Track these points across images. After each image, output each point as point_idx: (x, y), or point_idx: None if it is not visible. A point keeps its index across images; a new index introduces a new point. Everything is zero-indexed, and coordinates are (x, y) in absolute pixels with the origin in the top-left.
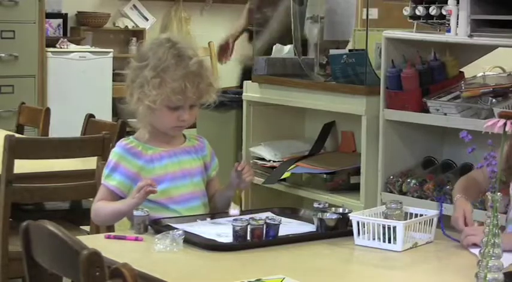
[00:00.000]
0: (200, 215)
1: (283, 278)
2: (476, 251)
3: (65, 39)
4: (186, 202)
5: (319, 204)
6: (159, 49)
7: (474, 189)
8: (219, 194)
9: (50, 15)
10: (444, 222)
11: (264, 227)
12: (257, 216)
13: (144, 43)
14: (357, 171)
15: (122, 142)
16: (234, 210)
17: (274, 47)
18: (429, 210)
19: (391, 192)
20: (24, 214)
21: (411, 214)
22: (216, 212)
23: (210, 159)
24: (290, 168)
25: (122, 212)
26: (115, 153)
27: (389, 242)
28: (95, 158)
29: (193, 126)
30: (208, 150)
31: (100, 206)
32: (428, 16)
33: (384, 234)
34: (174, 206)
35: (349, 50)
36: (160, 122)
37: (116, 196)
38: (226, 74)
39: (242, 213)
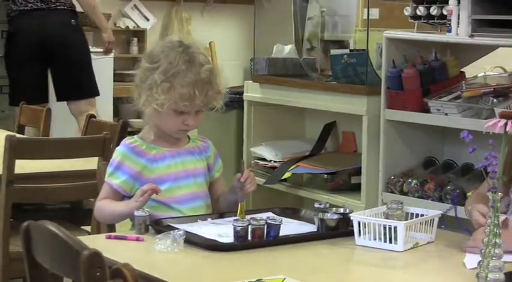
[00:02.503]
0: (201, 215)
1: (284, 278)
2: (470, 257)
3: None
4: (189, 202)
5: (320, 204)
6: (171, 52)
7: (484, 203)
8: (223, 197)
9: None
10: (446, 222)
11: (265, 227)
12: (258, 216)
13: (155, 43)
14: (357, 172)
15: (126, 141)
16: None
17: (275, 47)
18: (430, 211)
19: (392, 192)
20: (25, 214)
21: (412, 214)
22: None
23: (214, 160)
24: (291, 168)
25: (124, 214)
26: (119, 152)
27: (390, 242)
28: (96, 158)
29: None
30: (212, 152)
31: (103, 206)
32: (429, 16)
33: (384, 234)
34: (176, 206)
35: (350, 50)
36: (165, 124)
37: (118, 194)
38: (227, 75)
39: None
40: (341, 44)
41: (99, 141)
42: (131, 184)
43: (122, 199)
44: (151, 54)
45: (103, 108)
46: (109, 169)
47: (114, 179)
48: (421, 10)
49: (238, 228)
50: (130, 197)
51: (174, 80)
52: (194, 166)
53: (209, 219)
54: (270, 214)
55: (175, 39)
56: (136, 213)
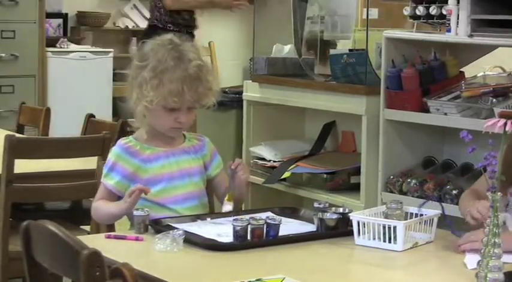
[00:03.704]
0: (200, 215)
1: (284, 278)
2: (471, 258)
3: (65, 39)
4: (184, 202)
5: (319, 204)
6: (160, 50)
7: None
8: (225, 191)
9: (50, 15)
10: (444, 222)
11: (265, 226)
12: (257, 216)
13: (146, 42)
14: (357, 171)
15: (121, 141)
16: (227, 205)
17: (274, 46)
18: (429, 210)
19: (391, 192)
20: (25, 214)
21: (411, 214)
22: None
23: (211, 158)
24: (290, 168)
25: (116, 215)
26: (113, 153)
27: (390, 241)
28: (95, 157)
29: (194, 128)
30: (209, 149)
31: (98, 207)
32: (428, 16)
33: (384, 234)
34: (172, 206)
35: (350, 50)
36: (157, 123)
37: (114, 195)
38: (227, 74)
39: (242, 212)
40: (340, 43)
41: (98, 141)
42: (126, 185)
43: (117, 199)
44: (141, 53)
45: (102, 107)
46: (104, 170)
47: (108, 180)
48: (420, 10)
49: (238, 227)
50: None
51: (162, 76)
52: (189, 165)
53: (208, 219)
54: (270, 214)
55: (166, 37)
56: (135, 212)
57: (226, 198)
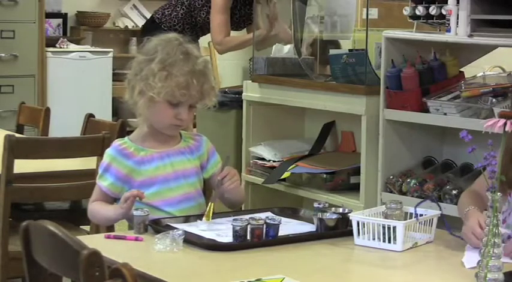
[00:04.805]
0: (200, 215)
1: (283, 278)
2: (469, 257)
3: (65, 39)
4: (179, 204)
5: (319, 204)
6: (167, 45)
7: (478, 202)
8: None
9: (50, 15)
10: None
11: (264, 226)
12: (257, 216)
13: (151, 38)
14: (356, 171)
15: (116, 143)
16: (201, 224)
17: (274, 46)
18: (429, 210)
19: (391, 192)
20: (24, 214)
21: (411, 214)
22: (233, 206)
23: (208, 157)
24: (290, 168)
25: (112, 219)
26: (108, 154)
27: (389, 242)
28: (95, 157)
29: (194, 126)
30: (206, 148)
31: (94, 209)
32: (428, 16)
33: (383, 234)
34: (167, 208)
35: (349, 50)
36: (157, 119)
37: (108, 197)
38: (227, 74)
39: (242, 212)
40: (339, 43)
41: (98, 141)
42: (120, 187)
43: (113, 200)
44: (146, 48)
45: (102, 107)
46: (99, 171)
47: (103, 181)
48: (420, 10)
49: (238, 227)
50: None
51: (171, 69)
52: (184, 167)
53: None
54: (269, 214)
55: (170, 35)
56: (135, 213)
57: (205, 214)
